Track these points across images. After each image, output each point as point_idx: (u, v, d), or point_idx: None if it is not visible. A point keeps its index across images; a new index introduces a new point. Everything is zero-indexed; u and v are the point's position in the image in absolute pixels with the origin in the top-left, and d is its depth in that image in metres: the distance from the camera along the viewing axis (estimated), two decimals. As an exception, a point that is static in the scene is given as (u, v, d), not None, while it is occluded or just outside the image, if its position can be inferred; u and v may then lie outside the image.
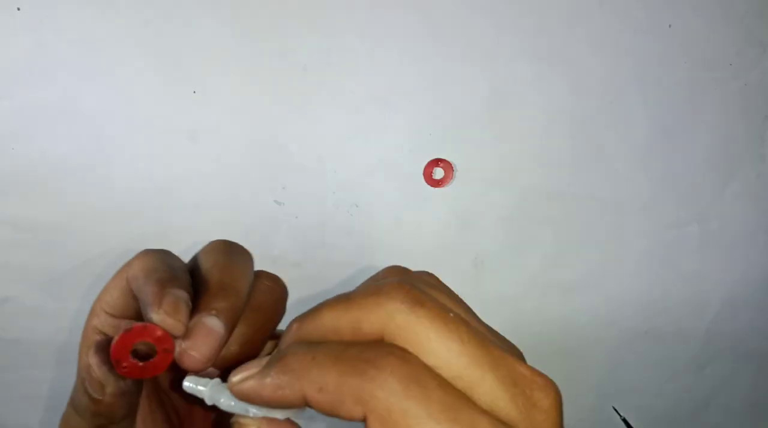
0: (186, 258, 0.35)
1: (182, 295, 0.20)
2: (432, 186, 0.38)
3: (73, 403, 0.23)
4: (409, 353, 0.17)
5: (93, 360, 0.21)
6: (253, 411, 0.19)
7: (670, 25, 0.39)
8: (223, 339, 0.20)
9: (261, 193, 0.35)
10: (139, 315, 0.23)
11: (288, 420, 0.19)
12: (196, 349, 0.20)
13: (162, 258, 0.23)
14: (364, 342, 0.19)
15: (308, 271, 0.38)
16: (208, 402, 0.20)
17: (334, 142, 0.36)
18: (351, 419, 0.17)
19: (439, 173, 0.38)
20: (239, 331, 0.22)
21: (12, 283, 0.33)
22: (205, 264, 0.23)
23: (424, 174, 0.38)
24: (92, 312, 0.25)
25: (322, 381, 0.17)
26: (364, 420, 0.17)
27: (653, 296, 0.44)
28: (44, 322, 0.34)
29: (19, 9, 0.30)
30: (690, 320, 0.46)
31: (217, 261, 0.23)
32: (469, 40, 0.36)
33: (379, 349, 0.18)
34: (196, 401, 0.22)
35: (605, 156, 0.41)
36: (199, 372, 0.20)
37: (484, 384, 0.17)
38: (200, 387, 0.20)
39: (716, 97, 0.42)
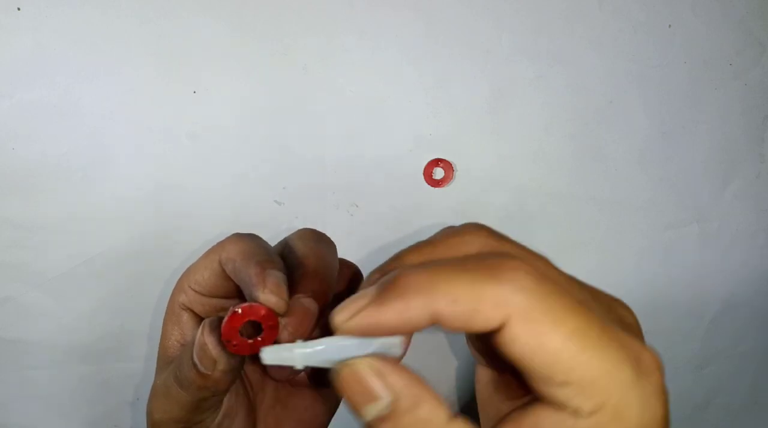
0: (189, 260, 0.36)
1: (282, 276, 0.22)
2: (432, 186, 0.38)
3: (176, 377, 0.24)
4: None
5: (209, 339, 0.22)
6: (357, 351, 0.19)
7: (670, 25, 0.39)
8: (316, 318, 0.22)
9: (261, 193, 0.36)
10: (228, 295, 0.26)
11: (397, 355, 0.19)
12: (294, 326, 0.22)
13: (257, 242, 0.25)
14: (478, 254, 0.19)
15: (308, 271, 0.38)
16: (301, 364, 0.20)
17: (334, 142, 0.36)
18: (485, 329, 0.17)
19: (439, 173, 0.38)
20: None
21: (12, 283, 0.33)
22: (300, 250, 0.25)
23: (424, 174, 0.38)
24: (178, 289, 0.27)
25: (455, 292, 0.17)
26: (500, 327, 0.17)
27: (653, 296, 0.44)
28: (44, 322, 0.34)
29: (19, 9, 0.30)
30: (690, 320, 0.46)
31: (310, 248, 0.25)
32: (469, 40, 0.36)
33: (501, 256, 0.18)
34: (266, 373, 0.24)
35: (605, 156, 0.41)
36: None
37: None
38: (285, 353, 0.20)
39: (716, 97, 0.42)
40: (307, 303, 0.22)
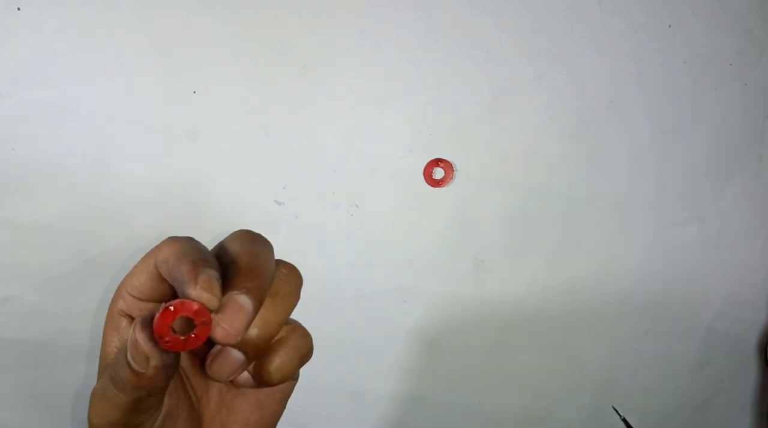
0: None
1: (215, 274, 0.22)
2: (432, 186, 0.38)
3: (111, 378, 0.24)
4: None
5: (140, 335, 0.22)
6: None
7: (670, 25, 0.39)
8: (251, 315, 0.22)
9: (261, 193, 0.36)
10: (164, 298, 0.26)
11: None
12: (228, 323, 0.22)
13: (192, 244, 0.25)
14: None
15: (308, 271, 0.38)
16: None
17: (334, 142, 0.36)
18: None
19: (439, 173, 0.38)
20: (260, 314, 0.23)
21: (12, 283, 0.33)
22: (233, 249, 0.25)
23: (424, 174, 0.38)
24: (117, 296, 0.27)
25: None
26: None
27: (653, 296, 0.44)
28: (44, 322, 0.34)
29: (19, 9, 0.30)
30: (690, 320, 0.46)
31: (245, 247, 0.25)
32: (469, 40, 0.36)
33: None
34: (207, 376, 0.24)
35: (605, 156, 0.41)
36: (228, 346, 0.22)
37: None
38: None
39: (716, 97, 0.42)
40: (241, 300, 0.22)
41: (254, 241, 0.26)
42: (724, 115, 0.42)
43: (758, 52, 0.42)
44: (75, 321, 0.34)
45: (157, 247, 0.26)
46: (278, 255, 0.37)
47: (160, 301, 0.27)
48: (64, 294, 0.34)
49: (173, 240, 0.25)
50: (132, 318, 0.27)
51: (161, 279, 0.25)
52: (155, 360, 0.22)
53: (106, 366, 0.27)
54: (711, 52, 0.41)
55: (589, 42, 0.38)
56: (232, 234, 0.27)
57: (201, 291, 0.21)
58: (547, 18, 0.37)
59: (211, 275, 0.22)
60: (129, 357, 0.23)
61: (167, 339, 0.22)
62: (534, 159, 0.39)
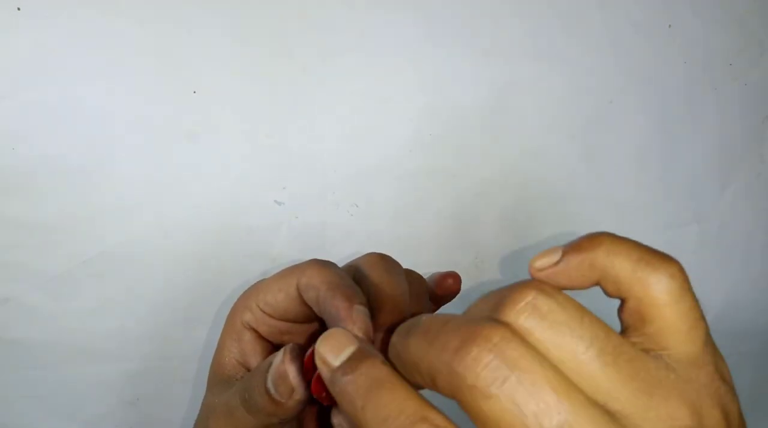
0: (186, 258, 0.36)
1: (367, 312, 0.22)
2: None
3: (244, 400, 0.24)
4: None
5: (290, 368, 0.22)
6: None
7: (669, 25, 0.39)
8: None
9: (261, 193, 0.35)
10: (297, 320, 0.26)
11: None
12: None
13: (339, 272, 0.25)
14: None
15: (308, 271, 0.38)
16: None
17: (334, 142, 0.36)
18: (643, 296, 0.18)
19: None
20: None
21: (12, 283, 0.33)
22: (374, 280, 0.25)
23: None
24: (243, 307, 0.27)
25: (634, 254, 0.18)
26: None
27: (653, 296, 0.44)
28: (44, 322, 0.34)
29: (19, 9, 0.30)
30: (690, 320, 0.46)
31: (386, 280, 0.25)
32: (469, 40, 0.36)
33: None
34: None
35: (605, 156, 0.41)
36: None
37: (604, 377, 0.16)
38: None
39: (716, 98, 0.42)
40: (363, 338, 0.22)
41: (391, 271, 0.26)
42: (724, 115, 0.42)
43: (758, 52, 0.42)
44: (75, 321, 0.34)
45: (300, 269, 0.25)
46: (278, 255, 0.37)
47: (292, 321, 0.27)
48: (64, 294, 0.34)
49: (321, 265, 0.25)
50: (256, 333, 0.27)
51: (301, 302, 0.25)
52: (299, 394, 0.22)
53: (221, 377, 0.27)
54: (711, 52, 0.41)
55: (589, 42, 0.38)
56: (365, 258, 0.27)
57: (357, 332, 0.21)
58: (547, 18, 0.37)
59: (366, 314, 0.22)
60: (270, 385, 0.23)
61: (317, 375, 0.21)
62: (534, 159, 0.39)
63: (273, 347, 0.28)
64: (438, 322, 0.17)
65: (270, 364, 0.23)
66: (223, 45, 0.33)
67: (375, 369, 0.18)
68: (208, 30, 0.32)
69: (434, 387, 0.17)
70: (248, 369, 0.27)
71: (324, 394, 0.21)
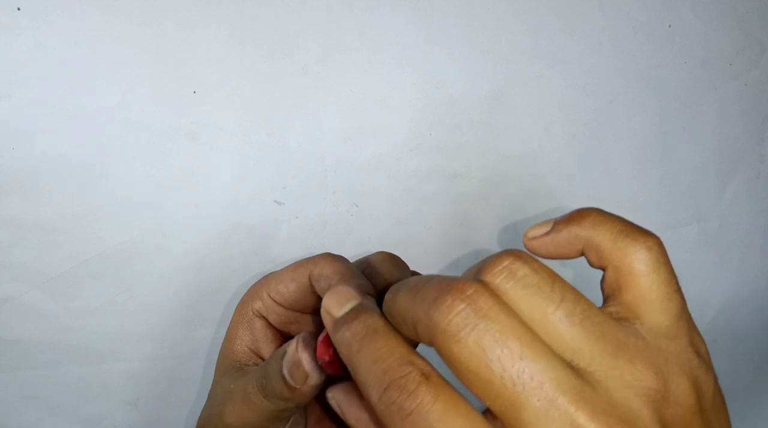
0: (186, 258, 0.36)
1: (375, 303, 0.23)
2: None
3: (261, 386, 0.25)
4: None
5: (304, 355, 0.23)
6: None
7: (670, 25, 0.39)
8: None
9: (261, 193, 0.35)
10: (306, 310, 0.27)
11: None
12: None
13: (351, 266, 0.26)
14: None
15: (308, 271, 0.38)
16: None
17: (334, 142, 0.36)
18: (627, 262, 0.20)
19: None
20: None
21: (12, 283, 0.33)
22: (384, 275, 0.27)
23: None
24: (255, 296, 0.28)
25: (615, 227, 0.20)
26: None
27: (653, 296, 0.44)
28: (44, 322, 0.34)
29: (19, 9, 0.30)
30: (690, 320, 0.46)
31: (393, 274, 0.27)
32: (469, 40, 0.36)
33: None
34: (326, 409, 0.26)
35: (605, 156, 0.41)
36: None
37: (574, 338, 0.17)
38: None
39: (716, 97, 0.42)
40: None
41: (399, 267, 0.28)
42: (724, 115, 0.42)
43: (758, 52, 0.42)
44: (75, 321, 0.34)
45: (313, 261, 0.27)
46: (278, 255, 0.37)
47: (301, 311, 0.28)
48: (64, 294, 0.34)
49: (333, 258, 0.27)
50: (267, 321, 0.28)
51: (312, 292, 0.27)
52: (314, 379, 0.23)
53: (232, 364, 0.28)
54: (711, 52, 0.41)
55: (589, 42, 0.38)
56: (376, 255, 0.28)
57: None
58: (547, 18, 0.37)
59: (373, 303, 0.23)
60: (286, 372, 0.24)
61: (329, 359, 0.23)
62: (534, 159, 0.39)
63: (282, 335, 0.29)
64: (423, 279, 0.19)
65: (285, 352, 0.24)
66: (223, 45, 0.33)
67: (371, 319, 0.20)
68: (208, 30, 0.32)
69: (416, 336, 0.18)
70: (259, 356, 0.29)
71: (327, 358, 0.22)
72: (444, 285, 0.17)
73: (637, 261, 0.19)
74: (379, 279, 0.26)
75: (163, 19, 0.32)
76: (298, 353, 0.24)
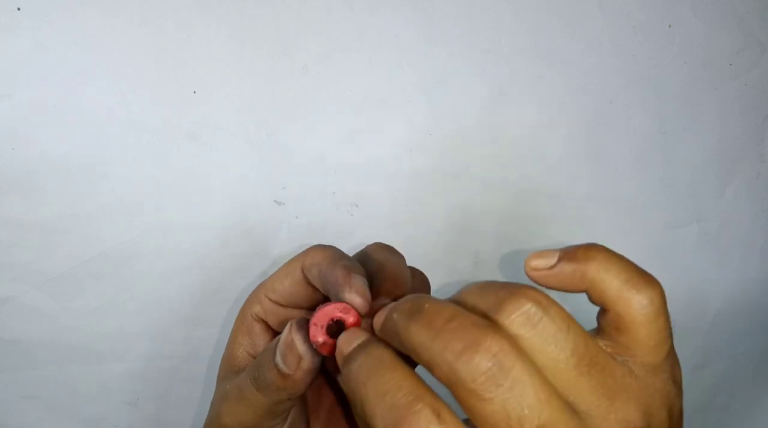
0: (186, 258, 0.36)
1: (365, 281, 0.24)
2: None
3: (254, 378, 0.25)
4: None
5: (296, 336, 0.23)
6: None
7: (670, 25, 0.39)
8: None
9: (261, 193, 0.36)
10: (303, 305, 0.27)
11: None
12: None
13: (339, 251, 0.27)
14: None
15: (308, 271, 0.38)
16: None
17: (334, 142, 0.36)
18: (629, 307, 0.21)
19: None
20: None
21: (12, 283, 0.33)
22: (377, 259, 0.27)
23: None
24: (254, 300, 0.28)
25: (619, 266, 0.21)
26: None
27: (653, 296, 0.44)
28: (44, 322, 0.34)
29: (19, 9, 0.30)
30: (690, 320, 0.46)
31: (387, 258, 0.27)
32: (469, 40, 0.36)
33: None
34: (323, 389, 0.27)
35: (605, 156, 0.41)
36: None
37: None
38: None
39: (716, 97, 0.42)
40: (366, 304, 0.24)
41: (393, 253, 0.28)
42: (724, 115, 0.42)
43: (758, 52, 0.42)
44: (75, 321, 0.34)
45: (304, 253, 0.27)
46: (278, 255, 0.37)
47: (300, 308, 0.28)
48: (64, 294, 0.34)
49: (322, 246, 0.27)
50: (266, 324, 0.28)
51: (306, 284, 0.27)
52: (307, 362, 0.23)
53: (232, 370, 0.28)
54: (711, 52, 0.41)
55: (589, 42, 0.38)
56: (370, 246, 0.29)
57: (354, 295, 0.22)
58: (547, 18, 0.37)
59: (363, 281, 0.23)
60: (278, 359, 0.24)
61: (321, 340, 0.23)
62: (534, 159, 0.39)
63: None
64: (442, 317, 0.19)
65: (278, 341, 0.24)
66: (223, 45, 0.33)
67: (377, 350, 0.20)
68: (208, 30, 0.32)
69: (428, 370, 0.18)
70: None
71: (321, 340, 0.22)
72: (469, 337, 0.18)
73: (640, 313, 0.20)
74: (371, 264, 0.26)
75: (163, 19, 0.32)
76: (291, 334, 0.23)
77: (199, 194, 0.34)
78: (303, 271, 0.27)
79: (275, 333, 0.29)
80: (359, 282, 0.23)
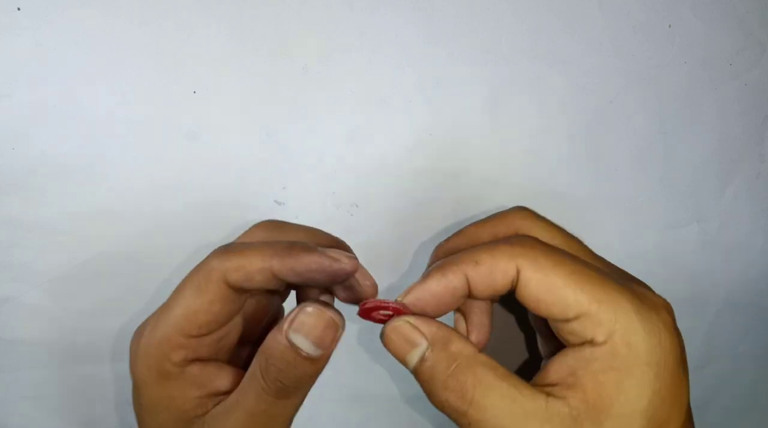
0: (188, 260, 0.36)
1: (355, 256, 0.26)
2: None
3: (279, 391, 0.25)
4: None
5: (330, 312, 0.25)
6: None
7: (669, 25, 0.39)
8: None
9: (261, 193, 0.36)
10: (227, 320, 0.27)
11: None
12: (366, 276, 0.27)
13: (260, 244, 0.26)
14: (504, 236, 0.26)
15: (308, 271, 0.38)
16: None
17: (334, 142, 0.36)
18: (506, 284, 0.23)
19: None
20: None
21: (12, 283, 0.33)
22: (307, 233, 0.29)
23: None
24: (163, 353, 0.26)
25: (476, 256, 0.22)
26: (516, 279, 0.22)
27: (653, 296, 0.44)
28: (44, 322, 0.34)
29: (19, 9, 0.30)
30: (690, 320, 0.46)
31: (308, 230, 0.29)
32: (469, 40, 0.36)
33: (519, 235, 0.25)
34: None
35: (604, 156, 0.41)
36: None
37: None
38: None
39: (716, 97, 0.42)
40: (353, 257, 0.25)
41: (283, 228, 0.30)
42: (724, 115, 0.42)
43: (758, 52, 0.42)
44: (75, 321, 0.34)
45: (208, 267, 0.25)
46: (278, 255, 0.37)
47: (217, 328, 0.26)
48: (64, 294, 0.34)
49: (236, 249, 0.25)
50: (200, 362, 0.26)
51: (231, 298, 0.25)
52: (342, 328, 0.24)
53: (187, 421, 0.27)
54: (711, 52, 0.41)
55: (589, 42, 0.38)
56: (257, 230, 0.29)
57: (345, 259, 0.24)
58: (547, 18, 0.37)
59: (353, 258, 0.25)
60: (310, 348, 0.24)
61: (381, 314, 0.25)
62: (534, 159, 0.39)
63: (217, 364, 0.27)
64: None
65: (278, 344, 0.24)
66: (223, 45, 0.33)
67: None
68: (208, 30, 0.32)
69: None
70: (215, 395, 0.26)
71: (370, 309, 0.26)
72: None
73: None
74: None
75: (163, 19, 0.32)
76: (327, 313, 0.23)
77: (198, 194, 0.34)
78: (226, 283, 0.24)
79: (210, 363, 0.27)
80: (333, 252, 0.24)
